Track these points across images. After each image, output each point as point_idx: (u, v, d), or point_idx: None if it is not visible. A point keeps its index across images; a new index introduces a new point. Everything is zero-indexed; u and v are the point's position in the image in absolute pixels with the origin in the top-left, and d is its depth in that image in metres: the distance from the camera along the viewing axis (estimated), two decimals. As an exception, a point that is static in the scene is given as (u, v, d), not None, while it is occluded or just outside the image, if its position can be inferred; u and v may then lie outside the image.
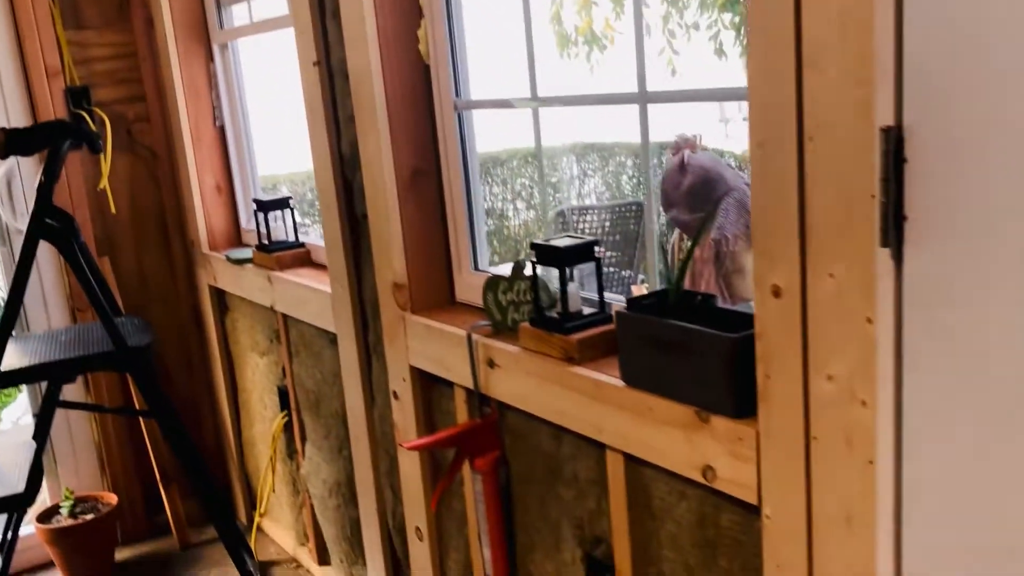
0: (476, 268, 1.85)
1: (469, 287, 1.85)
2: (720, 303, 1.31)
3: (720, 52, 5.24)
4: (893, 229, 0.90)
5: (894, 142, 0.88)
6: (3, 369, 1.94)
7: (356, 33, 1.76)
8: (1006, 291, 0.82)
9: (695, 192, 1.42)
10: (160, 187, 2.94)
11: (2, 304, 2.14)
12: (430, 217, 1.84)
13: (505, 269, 1.66)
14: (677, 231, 1.57)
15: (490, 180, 6.24)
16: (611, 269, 4.12)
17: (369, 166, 1.84)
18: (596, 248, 1.49)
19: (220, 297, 2.86)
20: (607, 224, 4.44)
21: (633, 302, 1.33)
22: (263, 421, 2.76)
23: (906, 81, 0.86)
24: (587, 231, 4.29)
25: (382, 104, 1.76)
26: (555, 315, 1.49)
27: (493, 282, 1.64)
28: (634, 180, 6.39)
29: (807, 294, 1.02)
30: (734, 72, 5.17)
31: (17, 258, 2.71)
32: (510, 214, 6.47)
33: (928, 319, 0.89)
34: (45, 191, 1.95)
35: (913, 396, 0.92)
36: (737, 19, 5.09)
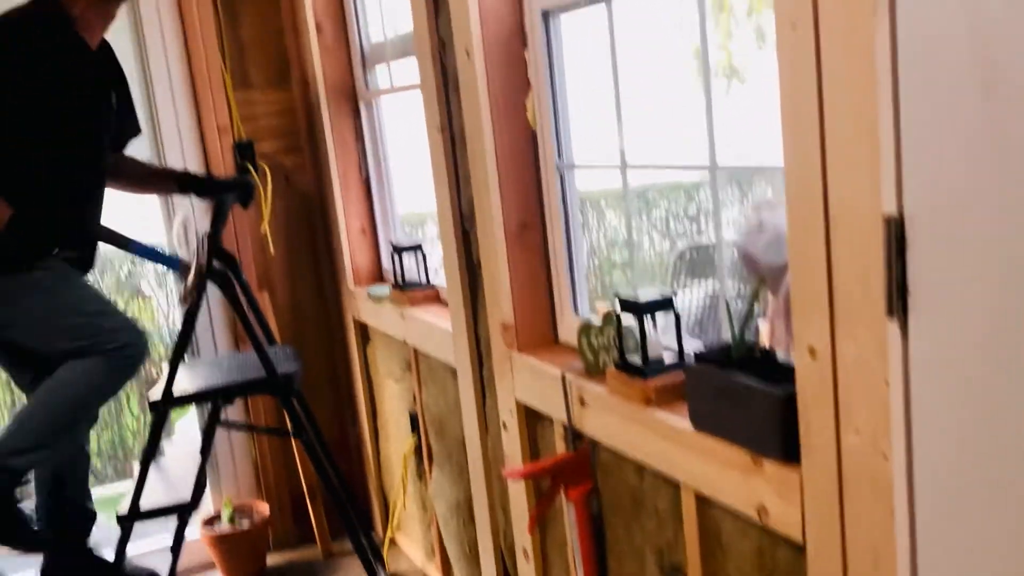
0: (576, 312, 2.03)
1: (570, 329, 2.02)
2: (784, 356, 1.43)
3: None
4: (898, 302, 1.01)
5: (896, 228, 1.00)
6: (176, 393, 2.27)
7: (472, 103, 1.98)
8: (1000, 356, 0.92)
9: (770, 250, 1.54)
10: (312, 229, 3.28)
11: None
12: (535, 265, 2.04)
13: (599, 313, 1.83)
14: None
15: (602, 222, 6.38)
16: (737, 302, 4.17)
17: (483, 219, 2.06)
18: (675, 301, 1.63)
19: (363, 329, 3.16)
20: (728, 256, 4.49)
21: (702, 354, 1.47)
22: (397, 442, 3.03)
23: (905, 175, 0.99)
24: (706, 270, 4.36)
25: (493, 165, 1.97)
26: (638, 361, 1.65)
27: (586, 327, 1.81)
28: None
29: (836, 356, 1.15)
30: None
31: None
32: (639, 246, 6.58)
33: (933, 382, 1.00)
34: (211, 240, 2.28)
35: (923, 452, 1.03)
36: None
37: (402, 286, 2.72)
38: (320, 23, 2.99)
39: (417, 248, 2.73)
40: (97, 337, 2.18)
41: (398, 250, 2.72)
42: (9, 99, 2.16)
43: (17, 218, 2.13)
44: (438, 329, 2.45)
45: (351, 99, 3.06)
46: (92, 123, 2.32)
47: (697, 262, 4.35)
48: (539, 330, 2.06)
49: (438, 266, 2.67)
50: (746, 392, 1.34)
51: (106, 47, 2.41)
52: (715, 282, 4.24)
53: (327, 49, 3.01)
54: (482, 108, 1.95)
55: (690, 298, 4.21)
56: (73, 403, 2.18)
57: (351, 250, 3.13)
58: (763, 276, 1.61)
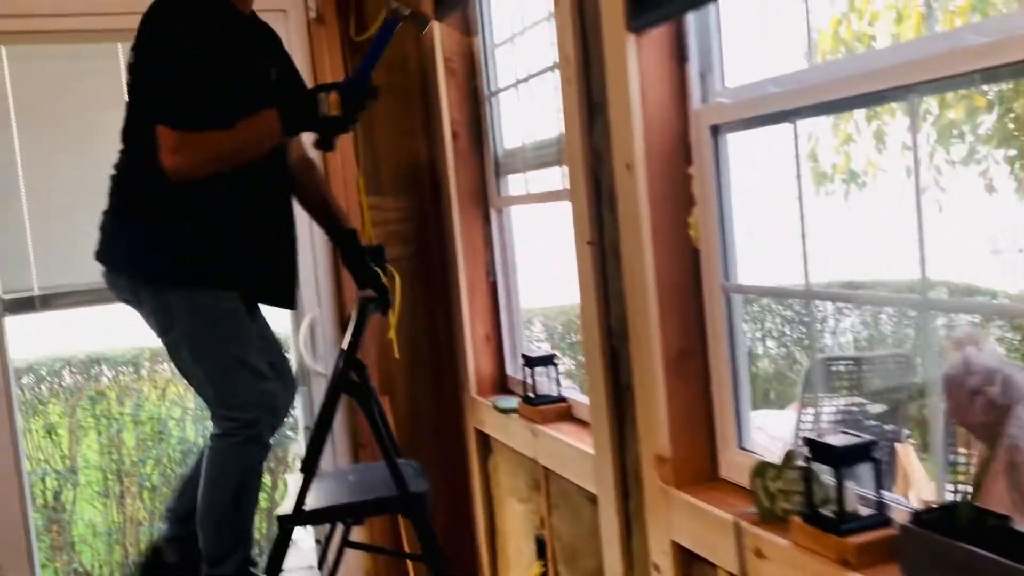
0: (741, 447, 1.86)
1: (733, 465, 1.86)
2: (1014, 523, 1.24)
3: (990, 188, 5.01)
4: None
5: None
6: (307, 508, 2.17)
7: (631, 218, 1.88)
8: None
9: (981, 394, 1.37)
10: (435, 334, 3.21)
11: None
12: (695, 394, 1.89)
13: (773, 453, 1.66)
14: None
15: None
16: (872, 422, 3.92)
17: (638, 341, 1.93)
18: (874, 447, 1.46)
19: (484, 440, 3.03)
20: (867, 371, 4.24)
21: (918, 515, 1.29)
22: (519, 567, 2.86)
23: None
24: (846, 379, 4.12)
25: (652, 285, 1.86)
26: (830, 513, 1.47)
27: (762, 468, 1.65)
28: (894, 319, 6.08)
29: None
30: (1006, 208, 4.90)
31: (319, 404, 3.07)
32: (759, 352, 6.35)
33: None
34: (350, 352, 2.21)
35: None
36: (1013, 153, 4.84)
37: (532, 400, 2.60)
38: (456, 131, 2.98)
39: (549, 360, 2.61)
40: (227, 403, 2.11)
41: (530, 362, 2.61)
42: (189, 81, 1.96)
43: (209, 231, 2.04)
44: (576, 451, 2.30)
45: (482, 205, 3.02)
46: (264, 101, 2.04)
47: (834, 376, 4.12)
48: (698, 465, 1.90)
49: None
50: (986, 568, 1.15)
51: (255, 17, 2.22)
52: (853, 398, 4.00)
53: (461, 156, 2.99)
54: (643, 224, 1.85)
55: (821, 414, 3.96)
56: (232, 494, 2.13)
57: (475, 357, 3.04)
58: (972, 425, 1.43)
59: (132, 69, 2.09)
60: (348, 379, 2.18)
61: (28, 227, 2.82)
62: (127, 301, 2.17)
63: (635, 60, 1.82)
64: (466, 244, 3.02)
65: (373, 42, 2.10)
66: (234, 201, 2.09)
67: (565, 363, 5.20)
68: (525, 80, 2.71)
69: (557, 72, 2.45)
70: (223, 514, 2.14)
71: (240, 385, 2.12)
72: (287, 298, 2.27)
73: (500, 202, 2.98)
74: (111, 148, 3.00)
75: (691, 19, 1.81)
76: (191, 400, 4.84)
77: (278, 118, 1.98)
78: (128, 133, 2.14)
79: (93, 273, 2.86)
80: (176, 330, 2.10)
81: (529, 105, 2.74)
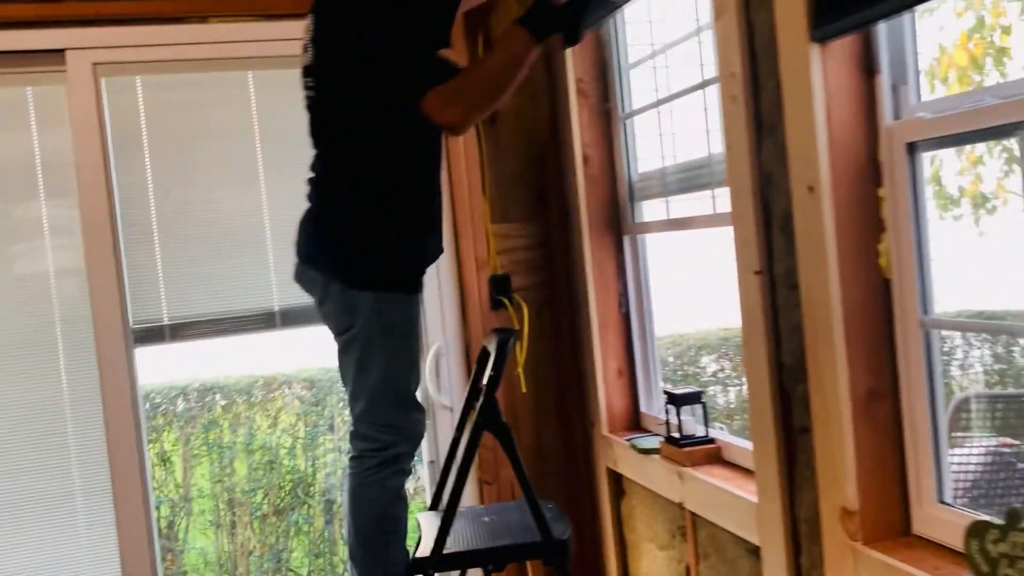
0: (941, 501, 1.66)
1: (930, 520, 1.66)
2: None
3: None
4: None
5: None
6: (446, 551, 2.05)
7: (813, 247, 1.72)
8: None
9: None
10: (563, 367, 3.08)
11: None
12: (886, 441, 1.70)
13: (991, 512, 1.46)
14: None
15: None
16: (1026, 466, 3.61)
17: (819, 381, 1.75)
18: None
19: (617, 481, 2.87)
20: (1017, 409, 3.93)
21: None
22: (657, 617, 2.68)
23: None
24: (995, 417, 3.82)
25: (839, 320, 1.68)
26: (1079, 586, 1.27)
27: (981, 528, 1.45)
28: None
29: None
30: None
31: (443, 438, 2.97)
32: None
33: None
34: (493, 386, 2.09)
35: None
36: None
37: (677, 441, 2.43)
38: (587, 155, 2.85)
39: (696, 398, 2.44)
40: (374, 419, 2.02)
41: (675, 400, 2.44)
42: (413, 45, 1.91)
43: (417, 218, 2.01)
44: (733, 497, 2.12)
45: (614, 232, 2.88)
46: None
47: (981, 414, 3.82)
48: (888, 519, 1.70)
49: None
50: None
51: None
52: (1003, 438, 3.69)
53: (592, 180, 2.86)
54: (828, 251, 1.68)
55: (967, 454, 3.67)
56: (375, 522, 2.05)
57: (607, 392, 2.88)
58: None
59: (319, 64, 2.02)
60: (496, 418, 2.05)
61: (159, 257, 2.81)
62: (313, 294, 2.11)
63: (819, 73, 1.66)
64: (597, 273, 2.88)
65: None
66: (422, 201, 2.06)
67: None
68: (666, 100, 2.58)
69: (705, 91, 2.32)
70: (371, 544, 2.03)
71: (393, 404, 2.04)
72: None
73: (634, 228, 2.83)
74: (239, 179, 2.99)
75: (881, 26, 1.65)
76: (303, 430, 4.82)
77: (520, 27, 1.92)
78: (319, 134, 2.08)
79: (221, 303, 2.87)
80: (355, 330, 2.02)
81: (669, 126, 2.60)
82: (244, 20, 2.81)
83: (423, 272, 2.12)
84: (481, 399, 2.10)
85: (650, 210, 2.80)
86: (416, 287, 2.09)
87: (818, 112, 1.66)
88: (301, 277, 2.14)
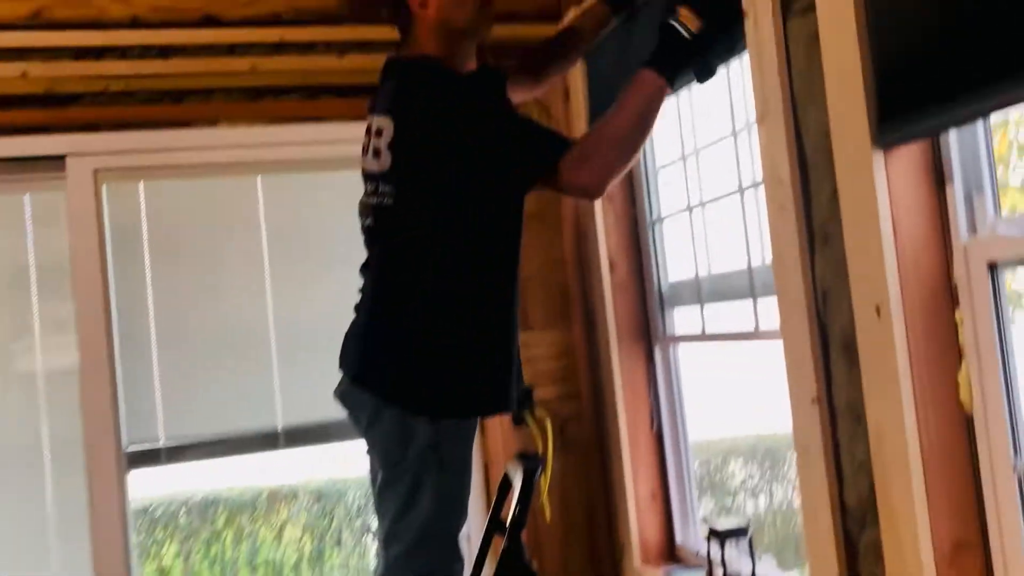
0: (1050, 677, 1.41)
1: None
2: None
3: None
4: None
5: None
6: None
7: (882, 375, 1.52)
8: None
9: None
10: (590, 489, 2.84)
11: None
12: (979, 601, 1.46)
13: None
14: None
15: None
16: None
17: (893, 529, 1.53)
18: None
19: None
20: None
21: None
22: None
23: None
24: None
25: (916, 460, 1.47)
26: None
27: None
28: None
29: None
30: None
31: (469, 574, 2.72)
32: None
33: None
34: (517, 527, 1.87)
35: None
36: None
37: (721, 579, 2.18)
38: (614, 260, 2.68)
39: (742, 532, 2.20)
40: (411, 562, 1.79)
41: (719, 535, 2.20)
42: (524, 125, 1.78)
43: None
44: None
45: (644, 342, 2.68)
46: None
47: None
48: None
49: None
50: None
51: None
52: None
53: (620, 287, 2.68)
54: (901, 381, 1.47)
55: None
56: None
57: (639, 519, 2.64)
58: None
59: (400, 168, 1.83)
60: (521, 563, 1.82)
61: (156, 372, 2.62)
62: (358, 419, 1.89)
63: (883, 182, 1.49)
64: (626, 386, 2.67)
65: None
66: (493, 320, 1.86)
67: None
68: (700, 205, 2.42)
69: (743, 195, 2.16)
70: None
71: (436, 551, 1.80)
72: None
73: (667, 339, 2.64)
74: (244, 289, 2.81)
75: (953, 131, 1.49)
76: (309, 543, 4.55)
77: (649, 70, 1.73)
78: (387, 242, 1.89)
79: (222, 422, 2.67)
80: (406, 462, 1.79)
81: (703, 231, 2.43)
82: (254, 123, 2.68)
83: (504, 396, 1.88)
84: (505, 541, 1.87)
85: (684, 317, 2.61)
86: (478, 410, 1.90)
87: (884, 225, 1.49)
88: (346, 396, 1.91)
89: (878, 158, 1.49)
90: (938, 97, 1.34)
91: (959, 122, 1.37)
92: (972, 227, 1.49)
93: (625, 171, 1.74)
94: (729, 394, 4.41)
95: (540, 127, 1.79)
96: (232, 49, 2.62)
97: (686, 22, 1.73)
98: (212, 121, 2.66)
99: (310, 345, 2.69)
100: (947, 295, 1.50)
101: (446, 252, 1.82)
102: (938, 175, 1.51)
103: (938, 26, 1.34)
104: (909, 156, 1.50)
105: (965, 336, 1.48)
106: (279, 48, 2.66)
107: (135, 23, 2.55)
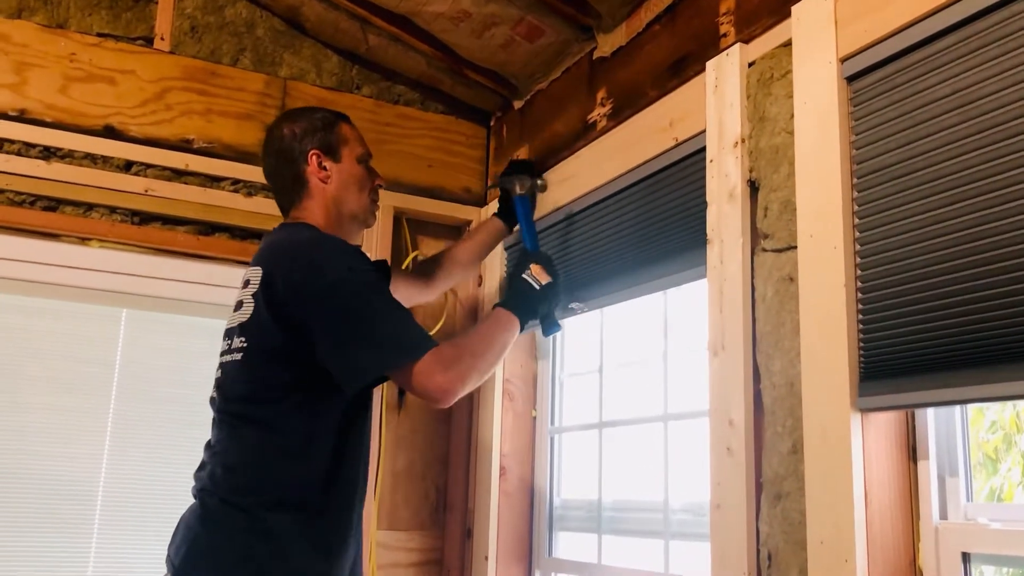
0: None
1: None
2: None
3: None
4: None
5: None
6: None
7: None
8: None
9: None
10: None
11: None
12: None
13: None
14: None
15: None
16: None
17: None
18: None
19: None
20: None
21: None
22: None
23: None
24: None
25: None
26: None
27: None
28: None
29: None
30: None
31: None
32: None
33: None
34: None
35: None
36: None
37: None
38: (505, 466, 2.46)
39: None
40: None
41: None
42: (394, 312, 1.65)
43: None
44: None
45: (524, 563, 2.43)
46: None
47: None
48: None
49: None
50: None
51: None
52: None
53: (507, 497, 2.45)
54: None
55: None
56: None
57: None
58: None
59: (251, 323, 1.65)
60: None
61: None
62: None
63: (860, 446, 1.37)
64: (500, 611, 2.38)
65: (520, 217, 2.23)
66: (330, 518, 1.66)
67: None
68: (611, 425, 2.26)
69: (667, 423, 2.01)
70: None
71: None
72: None
73: (550, 565, 2.39)
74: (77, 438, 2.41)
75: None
76: None
77: (505, 308, 1.81)
78: (222, 400, 1.68)
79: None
80: None
81: (611, 451, 2.26)
82: (132, 250, 2.37)
83: None
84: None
85: (572, 543, 2.39)
86: None
87: (856, 492, 1.36)
88: None
89: (856, 421, 1.38)
90: (929, 370, 1.27)
91: (956, 402, 1.28)
92: (943, 511, 1.38)
93: (470, 389, 1.67)
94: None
95: (410, 318, 1.66)
96: (129, 166, 2.34)
97: (537, 276, 1.91)
98: (84, 239, 2.34)
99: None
100: (912, 579, 1.37)
101: (285, 430, 1.62)
102: (913, 449, 1.41)
103: (930, 312, 1.28)
104: (887, 423, 1.40)
105: (933, 636, 1.34)
106: (181, 174, 2.41)
107: (22, 116, 2.26)
